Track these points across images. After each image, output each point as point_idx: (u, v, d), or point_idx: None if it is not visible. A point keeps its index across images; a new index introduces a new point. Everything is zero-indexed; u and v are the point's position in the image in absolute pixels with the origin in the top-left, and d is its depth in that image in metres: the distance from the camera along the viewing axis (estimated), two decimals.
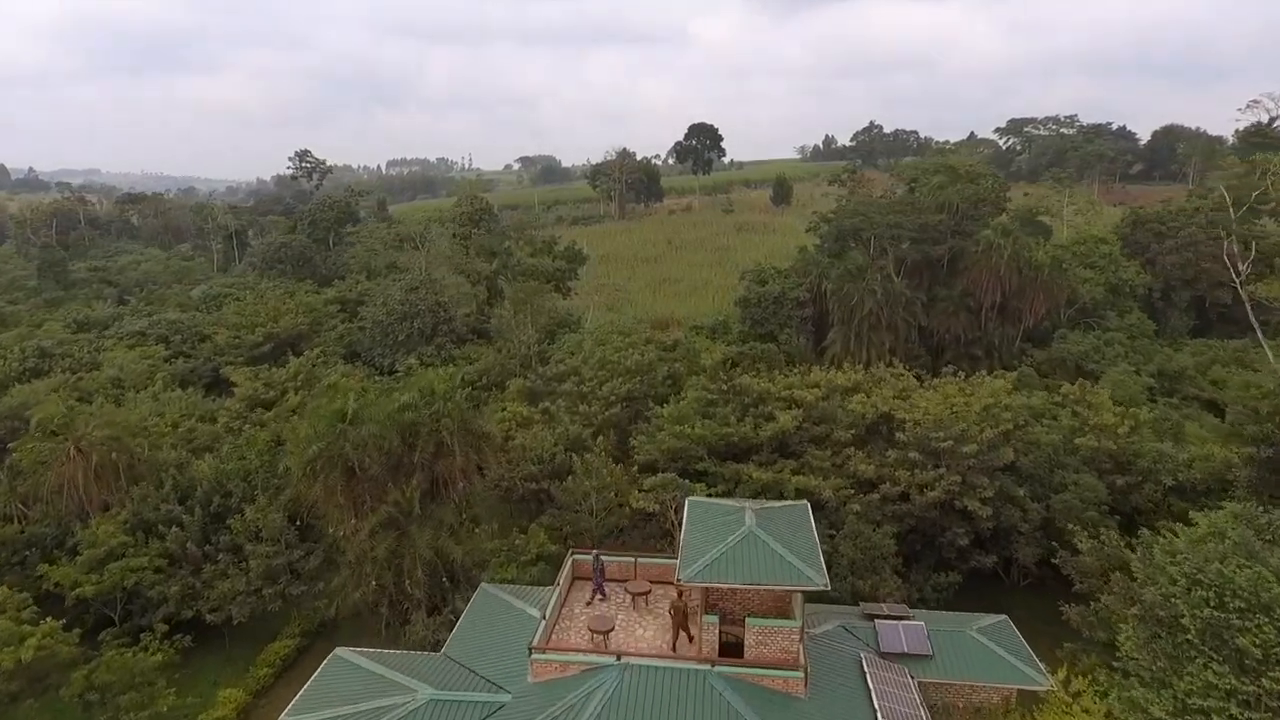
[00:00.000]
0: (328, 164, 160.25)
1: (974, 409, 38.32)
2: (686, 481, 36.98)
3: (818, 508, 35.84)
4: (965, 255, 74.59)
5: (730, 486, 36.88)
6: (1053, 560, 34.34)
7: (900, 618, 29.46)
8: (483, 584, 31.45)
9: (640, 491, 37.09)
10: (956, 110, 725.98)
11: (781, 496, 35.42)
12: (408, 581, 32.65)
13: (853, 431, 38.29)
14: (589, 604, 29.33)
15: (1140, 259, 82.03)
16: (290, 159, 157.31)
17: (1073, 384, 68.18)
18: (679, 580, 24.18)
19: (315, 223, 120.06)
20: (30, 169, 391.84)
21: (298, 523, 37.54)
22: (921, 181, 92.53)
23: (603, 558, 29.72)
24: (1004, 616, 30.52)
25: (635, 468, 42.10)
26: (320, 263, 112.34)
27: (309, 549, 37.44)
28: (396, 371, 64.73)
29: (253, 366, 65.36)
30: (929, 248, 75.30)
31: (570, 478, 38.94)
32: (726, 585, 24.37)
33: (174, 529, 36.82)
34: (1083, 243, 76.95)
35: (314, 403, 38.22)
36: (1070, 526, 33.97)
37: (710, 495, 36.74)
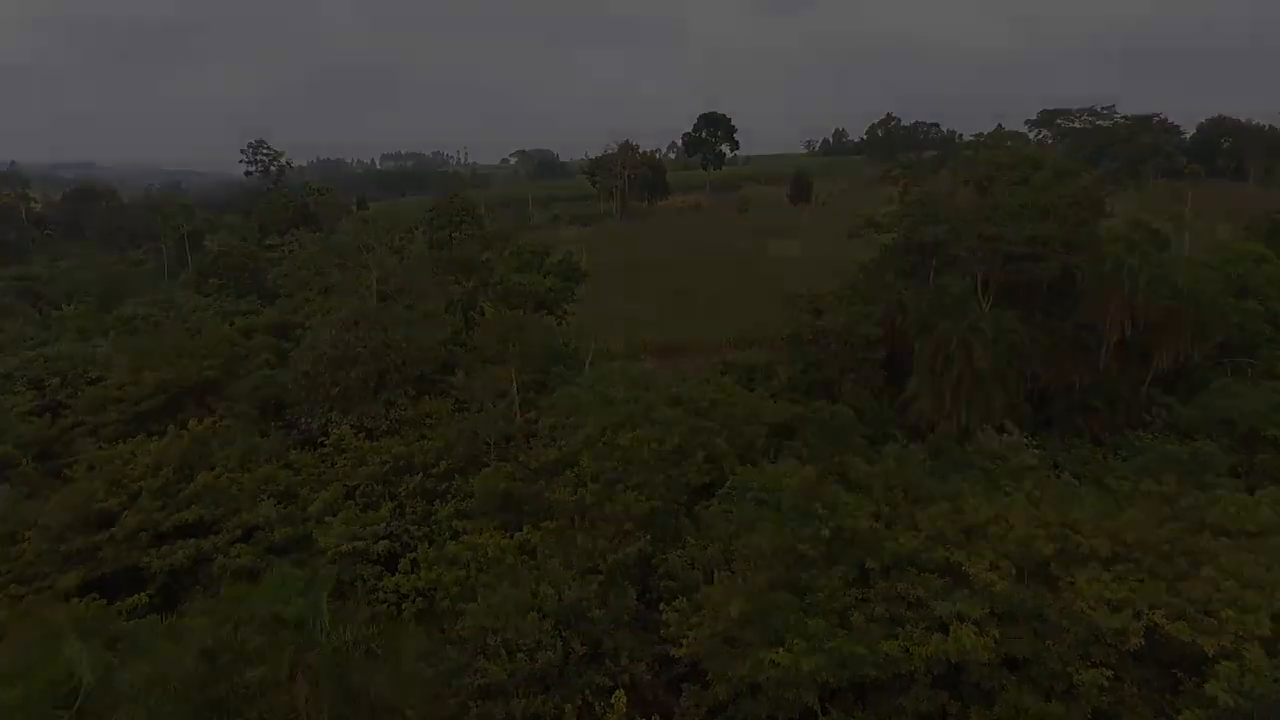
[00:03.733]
0: (286, 158, 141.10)
1: None
2: None
3: None
4: (1080, 276, 57.06)
5: None
6: None
7: None
8: None
9: None
10: (958, 104, 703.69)
11: None
12: None
13: (1109, 673, 19.74)
14: None
15: None
16: (243, 151, 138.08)
17: (1244, 456, 51.22)
18: None
19: (265, 226, 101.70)
20: (13, 162, 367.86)
21: None
22: (999, 179, 74.57)
23: None
24: None
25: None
26: (268, 275, 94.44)
27: None
28: (324, 442, 46.71)
29: (131, 437, 47.13)
30: (1031, 266, 57.63)
31: None
32: None
33: None
34: (1235, 261, 59.42)
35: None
36: None
37: None
